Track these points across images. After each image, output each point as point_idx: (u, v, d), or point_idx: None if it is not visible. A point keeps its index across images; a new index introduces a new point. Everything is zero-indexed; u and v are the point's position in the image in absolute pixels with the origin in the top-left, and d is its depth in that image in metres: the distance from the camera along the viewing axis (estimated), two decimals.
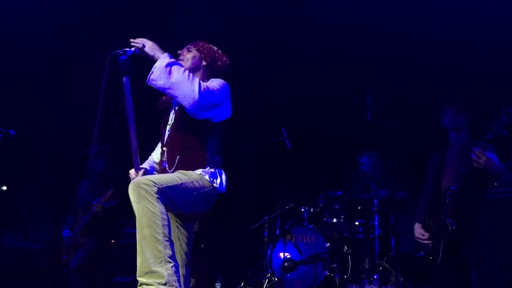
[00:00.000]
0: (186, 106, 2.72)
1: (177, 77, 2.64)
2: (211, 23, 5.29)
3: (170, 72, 2.64)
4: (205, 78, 3.00)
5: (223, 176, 2.91)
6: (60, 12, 5.28)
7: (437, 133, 3.83)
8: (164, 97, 3.06)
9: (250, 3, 5.17)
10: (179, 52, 3.01)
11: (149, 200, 2.48)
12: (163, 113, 3.06)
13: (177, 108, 2.94)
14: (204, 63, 3.02)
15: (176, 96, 2.68)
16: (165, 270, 2.43)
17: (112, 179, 4.95)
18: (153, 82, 2.67)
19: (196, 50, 3.01)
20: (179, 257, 2.85)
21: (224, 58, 3.09)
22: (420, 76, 5.68)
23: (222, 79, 2.94)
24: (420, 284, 4.71)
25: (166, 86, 2.65)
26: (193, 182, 2.72)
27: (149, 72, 2.68)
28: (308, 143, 6.19)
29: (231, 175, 3.04)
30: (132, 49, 2.73)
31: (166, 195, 2.57)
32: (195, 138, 2.85)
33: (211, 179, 2.82)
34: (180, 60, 2.95)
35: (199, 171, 2.81)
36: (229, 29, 5.39)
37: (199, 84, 2.68)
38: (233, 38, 5.42)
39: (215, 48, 3.09)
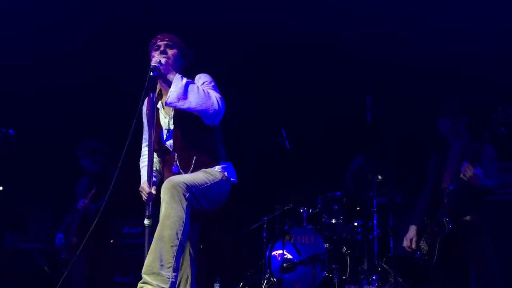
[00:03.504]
0: (207, 119, 2.80)
1: (194, 96, 2.71)
2: (213, 20, 5.31)
3: (186, 93, 2.71)
4: (183, 73, 2.99)
5: (232, 167, 2.99)
6: (57, 13, 5.30)
7: (437, 136, 3.83)
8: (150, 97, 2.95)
9: (253, 3, 5.18)
10: (158, 43, 2.98)
11: (179, 204, 2.54)
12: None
13: (172, 111, 2.92)
14: (184, 60, 3.05)
15: (198, 113, 2.75)
16: (171, 277, 2.49)
17: (107, 179, 4.88)
18: (172, 104, 2.74)
19: (177, 47, 3.01)
20: (188, 256, 2.90)
21: (191, 52, 3.13)
22: (421, 78, 5.69)
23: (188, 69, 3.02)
24: (419, 285, 4.69)
25: (185, 107, 2.73)
26: (217, 181, 2.81)
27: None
28: (307, 144, 6.19)
29: None
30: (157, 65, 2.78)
31: (196, 197, 2.66)
32: (205, 136, 2.89)
33: (229, 174, 2.90)
34: (164, 57, 2.89)
35: (218, 168, 2.87)
36: (230, 29, 5.40)
37: (215, 96, 2.76)
38: (234, 39, 5.45)
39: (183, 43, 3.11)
